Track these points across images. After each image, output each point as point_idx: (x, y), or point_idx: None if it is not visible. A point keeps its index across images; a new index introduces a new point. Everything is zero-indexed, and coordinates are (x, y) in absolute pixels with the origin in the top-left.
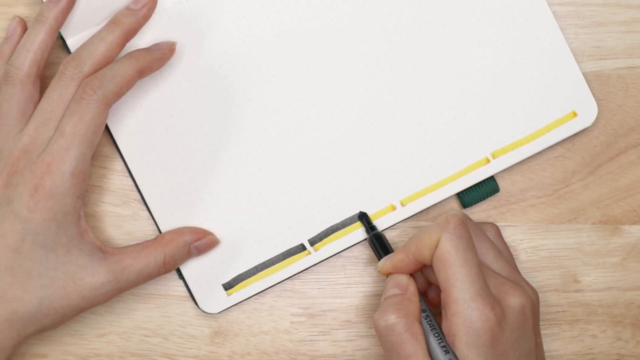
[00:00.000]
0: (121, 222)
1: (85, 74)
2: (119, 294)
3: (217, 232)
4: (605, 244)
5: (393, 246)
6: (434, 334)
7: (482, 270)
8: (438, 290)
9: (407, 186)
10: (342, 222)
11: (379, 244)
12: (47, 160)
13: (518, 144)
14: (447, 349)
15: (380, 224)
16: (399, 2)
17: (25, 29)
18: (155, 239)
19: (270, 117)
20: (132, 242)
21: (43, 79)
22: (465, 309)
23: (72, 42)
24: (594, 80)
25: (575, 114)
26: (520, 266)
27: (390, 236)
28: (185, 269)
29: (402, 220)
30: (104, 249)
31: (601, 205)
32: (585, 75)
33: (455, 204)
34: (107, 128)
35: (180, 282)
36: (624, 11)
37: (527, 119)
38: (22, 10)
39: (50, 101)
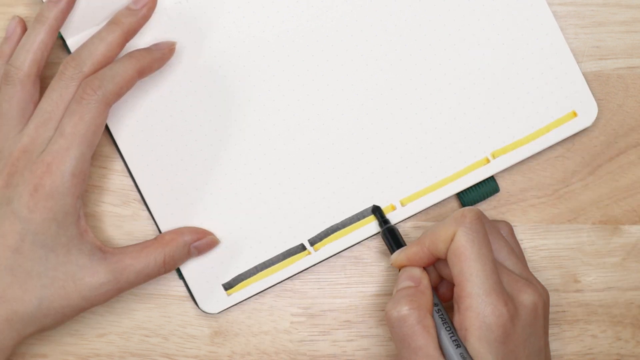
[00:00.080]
0: (121, 222)
1: (85, 74)
2: (119, 294)
3: (217, 232)
4: (605, 244)
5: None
6: (445, 328)
7: (496, 266)
8: (449, 285)
9: (407, 186)
10: (342, 222)
11: (392, 238)
12: (47, 160)
13: (518, 144)
14: (459, 342)
15: None
16: (399, 2)
17: (25, 29)
18: (155, 239)
19: (270, 117)
20: (132, 242)
21: (43, 79)
22: (479, 303)
23: (72, 42)
24: (594, 80)
25: (575, 114)
26: None
27: None
28: (185, 269)
29: (402, 220)
30: (104, 249)
31: (601, 205)
32: (585, 75)
33: (455, 204)
34: (107, 128)
35: (180, 282)
36: (624, 11)
37: (527, 118)
38: (22, 10)
39: (50, 101)
